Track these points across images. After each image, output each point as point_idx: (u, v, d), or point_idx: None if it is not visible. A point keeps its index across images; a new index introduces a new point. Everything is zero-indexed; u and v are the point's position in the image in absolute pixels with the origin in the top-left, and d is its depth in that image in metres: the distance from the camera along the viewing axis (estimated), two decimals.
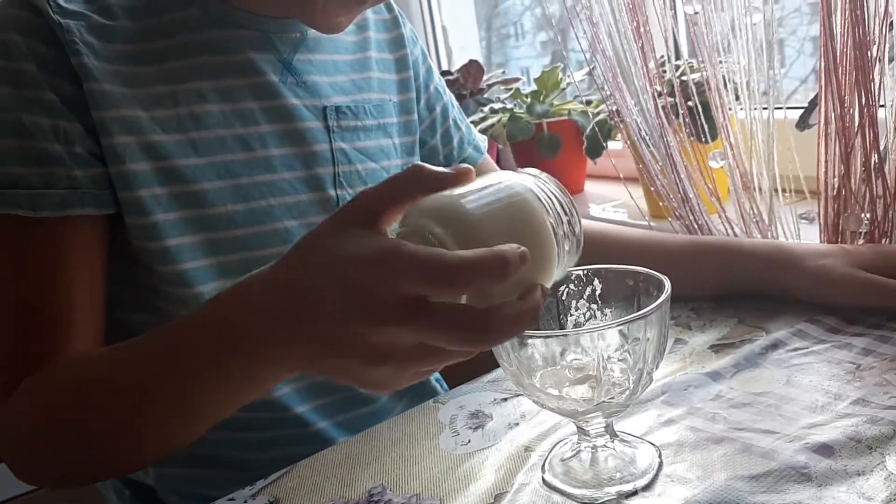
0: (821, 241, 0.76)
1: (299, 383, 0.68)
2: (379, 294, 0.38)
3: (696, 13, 0.75)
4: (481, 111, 1.35)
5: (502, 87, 1.48)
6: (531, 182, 0.44)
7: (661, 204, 0.86)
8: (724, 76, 0.77)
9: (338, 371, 0.42)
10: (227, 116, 0.63)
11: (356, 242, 0.39)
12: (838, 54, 0.68)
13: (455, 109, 0.84)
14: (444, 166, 0.82)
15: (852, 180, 0.70)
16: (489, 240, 0.39)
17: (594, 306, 0.54)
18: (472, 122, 1.33)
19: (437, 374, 0.85)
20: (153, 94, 0.61)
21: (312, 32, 0.69)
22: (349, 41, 0.74)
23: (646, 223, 0.99)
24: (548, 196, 0.43)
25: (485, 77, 1.51)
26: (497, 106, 1.33)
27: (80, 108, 0.58)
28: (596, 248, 0.77)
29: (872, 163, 0.68)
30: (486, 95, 1.50)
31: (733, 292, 0.71)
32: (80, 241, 0.59)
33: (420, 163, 0.43)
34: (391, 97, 0.75)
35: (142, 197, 0.60)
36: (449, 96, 0.84)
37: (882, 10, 0.69)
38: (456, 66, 1.56)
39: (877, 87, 0.69)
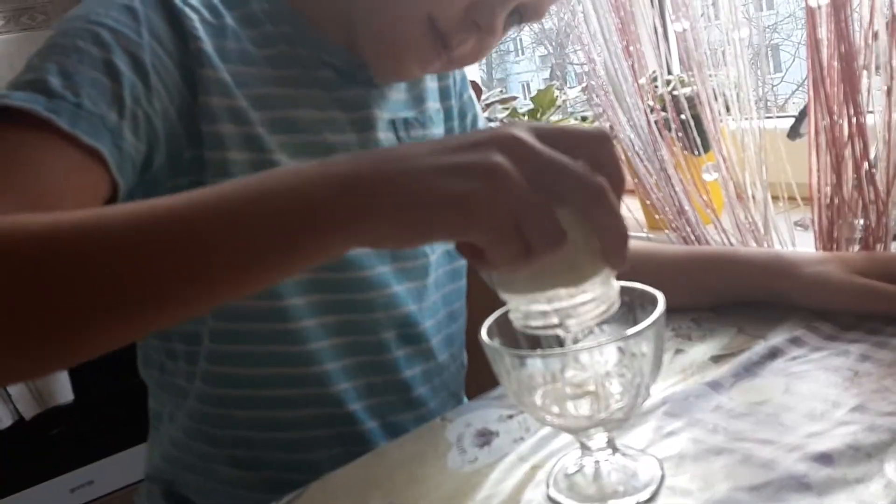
0: (816, 249, 0.77)
1: (357, 381, 0.70)
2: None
3: (685, 30, 0.77)
4: None
5: (500, 106, 1.49)
6: None
7: (656, 216, 0.87)
8: (714, 89, 0.79)
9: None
10: (316, 123, 0.67)
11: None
12: (825, 65, 0.70)
13: (482, 119, 0.86)
14: None
15: (844, 188, 0.71)
16: None
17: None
18: None
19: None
20: (254, 94, 0.64)
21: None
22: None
23: (644, 235, 1.00)
24: None
25: (483, 96, 1.53)
26: (495, 125, 1.34)
27: (175, 89, 0.60)
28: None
29: (863, 171, 0.69)
30: (485, 115, 1.51)
31: (732, 302, 0.72)
32: (90, 183, 0.52)
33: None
34: (437, 105, 0.78)
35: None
36: (479, 107, 0.86)
37: (867, 20, 0.70)
38: None
39: (864, 97, 0.70)
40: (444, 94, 0.80)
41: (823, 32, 0.70)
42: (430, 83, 0.79)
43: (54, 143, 0.51)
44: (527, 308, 0.46)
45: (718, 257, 0.73)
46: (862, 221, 0.73)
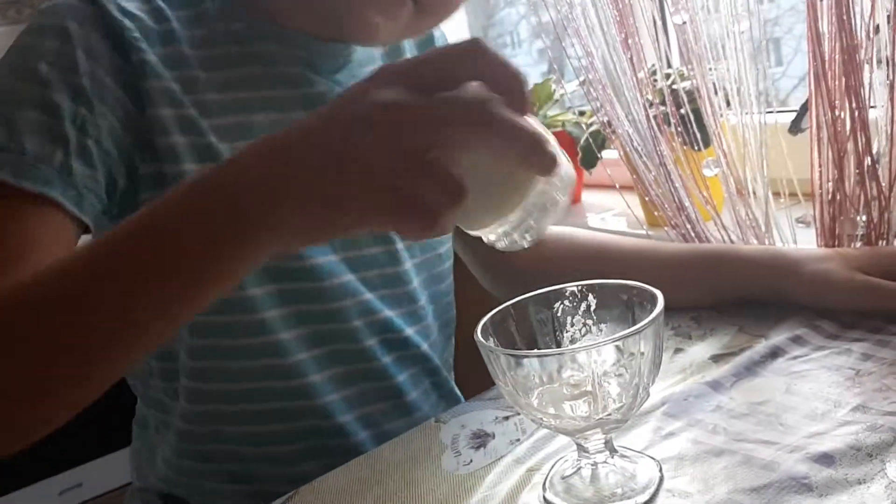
0: (818, 245, 0.76)
1: (346, 391, 0.68)
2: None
3: (685, 23, 0.76)
4: None
5: None
6: None
7: (656, 213, 0.86)
8: (714, 83, 0.78)
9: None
10: (272, 126, 0.64)
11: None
12: (826, 59, 0.69)
13: None
14: None
15: (846, 184, 0.70)
16: None
17: (589, 322, 0.54)
18: None
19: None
20: (206, 100, 0.62)
21: (354, 57, 0.69)
22: (382, 53, 0.74)
23: (643, 232, 0.99)
24: None
25: None
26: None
27: (120, 106, 0.58)
28: (593, 260, 0.77)
29: (865, 166, 0.68)
30: None
31: (734, 300, 0.71)
32: (49, 230, 0.53)
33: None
34: None
35: None
36: None
37: (868, 13, 0.69)
38: None
39: (867, 91, 0.69)
40: None
41: (825, 25, 0.69)
42: None
43: (5, 201, 0.51)
44: (490, 238, 0.44)
45: (720, 255, 0.72)
46: (864, 217, 0.72)
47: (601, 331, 0.54)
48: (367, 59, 0.72)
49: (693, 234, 0.84)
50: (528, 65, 2.19)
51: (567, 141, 1.23)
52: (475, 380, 0.75)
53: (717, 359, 0.63)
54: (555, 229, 0.82)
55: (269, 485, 0.67)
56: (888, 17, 0.69)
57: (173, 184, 0.59)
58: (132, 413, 0.76)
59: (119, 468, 1.73)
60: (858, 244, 0.74)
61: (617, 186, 0.97)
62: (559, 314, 0.54)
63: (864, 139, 0.67)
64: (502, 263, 0.83)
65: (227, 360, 0.65)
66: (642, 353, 0.46)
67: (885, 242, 0.70)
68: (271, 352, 0.64)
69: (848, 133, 0.68)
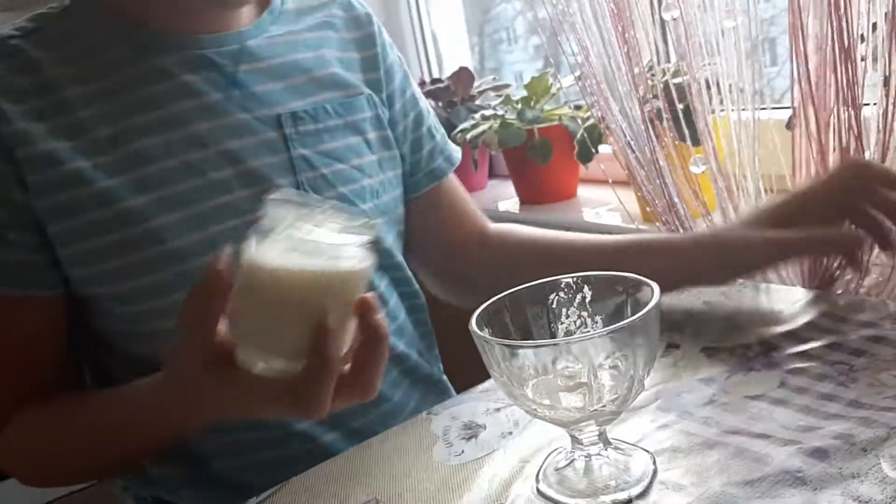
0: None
1: None
2: None
3: (675, 19, 0.75)
4: (472, 118, 1.35)
5: (493, 94, 1.48)
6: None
7: (647, 209, 0.86)
8: (706, 79, 0.77)
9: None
10: (172, 146, 0.62)
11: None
12: (816, 55, 0.68)
13: (431, 118, 0.82)
14: (410, 175, 0.79)
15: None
16: None
17: (584, 314, 0.54)
18: (462, 129, 1.34)
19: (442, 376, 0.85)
20: (95, 139, 0.61)
21: (255, 41, 0.67)
22: (309, 38, 0.72)
23: (634, 227, 0.99)
24: None
25: (475, 83, 1.51)
26: (488, 112, 1.33)
27: (7, 185, 0.59)
28: (540, 258, 0.77)
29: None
30: (477, 102, 1.50)
31: (679, 289, 0.71)
32: (38, 318, 0.63)
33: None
34: (362, 90, 0.73)
35: (97, 247, 0.60)
36: (425, 105, 0.82)
37: (864, 10, 0.69)
38: (447, 74, 1.56)
39: (861, 88, 0.69)
40: (373, 86, 0.74)
41: (821, 21, 0.69)
42: (351, 74, 0.73)
43: None
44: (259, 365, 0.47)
45: (660, 245, 0.71)
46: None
47: (596, 323, 0.53)
48: (284, 49, 0.69)
49: (682, 231, 0.84)
50: (524, 61, 2.19)
51: (563, 135, 1.23)
52: (466, 374, 0.75)
53: (709, 353, 0.63)
54: (497, 227, 0.82)
55: (240, 491, 0.66)
56: (886, 14, 0.69)
57: (71, 237, 0.60)
58: None
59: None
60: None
61: (610, 182, 0.97)
62: (554, 306, 0.54)
63: (856, 137, 0.67)
64: (450, 271, 0.82)
65: None
66: (638, 345, 0.45)
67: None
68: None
69: (834, 130, 0.68)
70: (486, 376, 0.65)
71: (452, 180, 0.83)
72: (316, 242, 0.44)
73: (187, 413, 0.55)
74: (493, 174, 1.64)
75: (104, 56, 0.63)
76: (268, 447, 0.67)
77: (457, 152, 0.84)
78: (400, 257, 0.76)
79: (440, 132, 0.83)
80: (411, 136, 0.79)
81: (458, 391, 0.77)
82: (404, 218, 0.78)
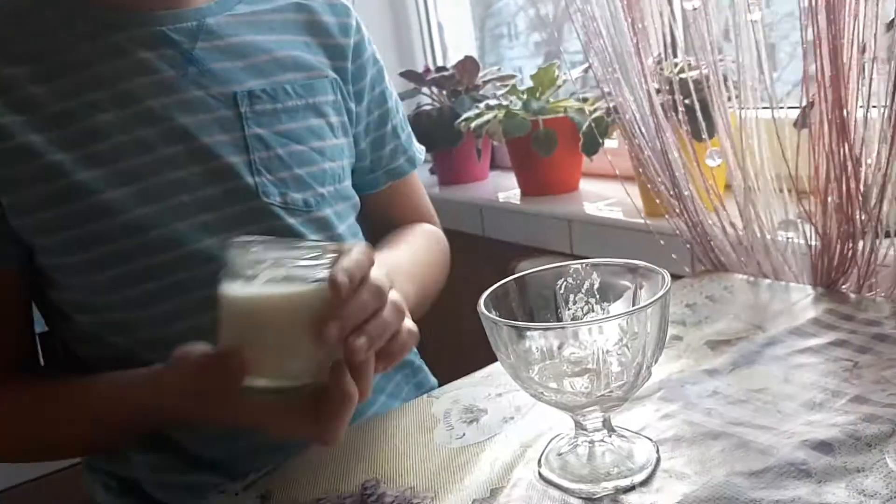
0: (814, 241, 0.75)
1: None
2: None
3: (696, 9, 0.75)
4: (477, 107, 1.34)
5: (498, 84, 1.47)
6: None
7: (657, 202, 0.86)
8: (723, 73, 0.77)
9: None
10: (125, 122, 0.62)
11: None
12: (829, 54, 0.68)
13: (398, 116, 0.81)
14: (369, 171, 0.79)
15: (842, 181, 0.69)
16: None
17: (592, 300, 0.53)
18: (467, 118, 1.33)
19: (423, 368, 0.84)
20: (48, 115, 0.61)
21: (215, 18, 0.67)
22: (275, 18, 0.71)
23: (642, 221, 0.99)
24: None
25: (480, 73, 1.50)
26: (493, 102, 1.32)
27: None
28: None
29: (855, 163, 0.68)
30: (481, 92, 1.49)
31: None
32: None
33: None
34: (326, 73, 0.72)
35: (48, 220, 0.60)
36: (395, 102, 0.81)
37: (877, 10, 0.68)
38: (451, 63, 1.55)
39: (870, 88, 0.68)
40: (341, 73, 0.73)
41: (832, 17, 0.68)
42: (321, 58, 0.72)
43: None
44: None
45: None
46: (863, 216, 0.71)
47: (603, 310, 0.53)
48: (248, 28, 0.68)
49: (691, 224, 0.83)
50: (525, 57, 2.18)
51: (568, 127, 1.22)
52: (464, 361, 0.75)
53: (713, 345, 0.63)
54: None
55: (214, 475, 0.66)
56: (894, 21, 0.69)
57: (17, 211, 0.60)
58: None
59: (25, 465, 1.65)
60: (849, 242, 0.74)
61: (618, 174, 0.96)
62: (561, 291, 0.54)
63: (861, 136, 0.67)
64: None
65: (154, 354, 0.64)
66: (647, 332, 0.45)
67: (877, 240, 0.70)
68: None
69: (839, 132, 0.68)
70: (464, 370, 0.66)
71: (411, 181, 0.83)
72: (290, 273, 0.47)
73: (189, 410, 0.55)
74: (494, 165, 1.63)
75: (59, 32, 0.63)
76: (242, 435, 0.66)
77: (420, 153, 0.84)
78: (351, 241, 0.74)
79: (406, 132, 0.82)
80: (374, 133, 0.78)
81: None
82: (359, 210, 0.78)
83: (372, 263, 0.49)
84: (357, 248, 0.49)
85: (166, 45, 0.64)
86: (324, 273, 0.47)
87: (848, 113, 0.68)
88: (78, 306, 0.65)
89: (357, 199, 0.76)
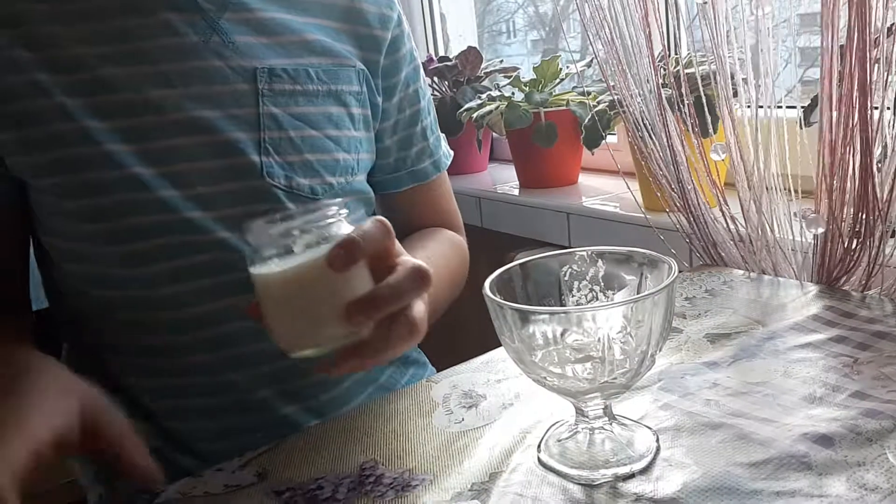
0: (819, 239, 0.75)
1: (259, 370, 0.66)
2: None
3: (706, 3, 0.75)
4: (479, 98, 1.34)
5: (500, 76, 1.46)
6: None
7: (658, 196, 0.86)
8: (730, 68, 0.77)
9: None
10: (137, 79, 0.61)
11: None
12: (840, 54, 0.68)
13: (429, 118, 0.79)
14: (392, 170, 0.77)
15: (847, 180, 0.69)
16: None
17: (596, 287, 0.53)
18: (468, 108, 1.32)
19: (421, 356, 0.84)
20: (62, 56, 0.60)
21: None
22: (315, 0, 0.69)
23: (639, 215, 0.99)
24: None
25: (483, 65, 1.50)
26: (495, 94, 1.32)
27: None
28: None
29: (868, 164, 0.68)
30: (483, 83, 1.48)
31: None
32: None
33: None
34: (354, 63, 0.70)
35: (40, 160, 0.60)
36: (428, 103, 0.79)
37: (887, 9, 0.68)
38: (454, 54, 1.55)
39: (882, 89, 0.68)
40: (372, 66, 0.71)
41: (843, 19, 0.68)
42: (352, 48, 0.70)
43: None
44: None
45: None
46: (864, 216, 0.72)
47: (608, 297, 0.53)
48: (281, 5, 0.66)
49: (693, 218, 0.83)
50: (523, 54, 2.18)
51: (569, 120, 1.22)
52: (461, 347, 0.75)
53: (712, 338, 0.63)
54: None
55: (204, 460, 0.65)
56: None
57: (18, 147, 0.60)
58: None
59: None
60: (854, 241, 0.74)
61: (619, 169, 0.96)
62: (566, 278, 0.53)
63: (868, 136, 0.67)
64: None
65: (151, 335, 0.64)
66: (652, 321, 0.45)
67: (881, 242, 0.70)
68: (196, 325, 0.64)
69: (851, 130, 0.68)
70: (462, 359, 0.65)
71: (437, 185, 0.81)
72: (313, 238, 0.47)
73: None
74: (492, 157, 1.63)
75: None
76: (227, 414, 0.66)
77: (447, 158, 0.82)
78: None
79: (435, 135, 0.80)
80: (402, 132, 0.76)
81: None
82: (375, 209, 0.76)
83: (388, 233, 0.48)
84: (371, 221, 0.48)
85: (193, 10, 0.63)
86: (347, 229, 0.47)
87: (861, 112, 0.68)
88: (63, 254, 0.64)
89: (371, 195, 0.74)
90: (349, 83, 0.69)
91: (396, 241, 0.50)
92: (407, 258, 0.49)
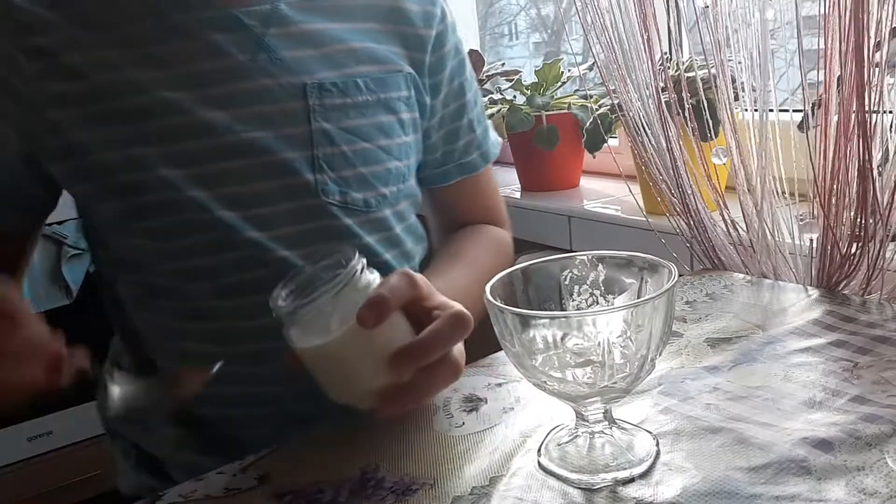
0: (818, 243, 0.76)
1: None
2: None
3: (707, 6, 0.75)
4: None
5: (502, 79, 1.47)
6: None
7: (659, 199, 0.86)
8: (731, 73, 0.77)
9: None
10: (186, 103, 0.61)
11: None
12: (838, 58, 0.68)
13: (476, 109, 0.78)
14: (440, 164, 0.77)
15: (847, 185, 0.70)
16: None
17: (597, 292, 0.53)
18: None
19: None
20: (111, 83, 0.60)
21: (289, 2, 0.64)
22: (357, 5, 0.68)
23: (641, 219, 0.99)
24: None
25: (485, 68, 1.50)
26: (496, 97, 1.32)
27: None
28: None
29: (868, 167, 0.68)
30: (485, 86, 1.49)
31: None
32: None
33: None
34: (401, 68, 0.69)
35: (94, 188, 0.61)
36: (474, 94, 0.78)
37: (886, 13, 0.69)
38: None
39: (880, 93, 0.68)
40: (418, 66, 0.70)
41: (843, 23, 0.69)
42: (398, 48, 0.69)
43: None
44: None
45: None
46: (865, 220, 0.72)
47: (608, 302, 0.53)
48: (324, 14, 0.66)
49: (693, 223, 0.84)
50: (524, 57, 2.19)
51: (571, 123, 1.22)
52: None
53: (713, 343, 0.63)
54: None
55: (225, 448, 0.65)
56: None
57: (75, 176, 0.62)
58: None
59: (90, 418, 1.69)
60: (855, 245, 0.74)
61: (621, 172, 0.96)
62: (566, 282, 0.53)
63: (867, 140, 0.67)
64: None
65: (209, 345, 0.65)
66: (652, 325, 0.45)
67: (881, 246, 0.70)
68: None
69: (851, 134, 0.68)
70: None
71: (483, 178, 0.80)
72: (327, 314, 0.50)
73: None
74: (494, 160, 1.63)
75: (133, 2, 0.62)
76: (265, 419, 0.66)
77: (496, 147, 0.81)
78: (410, 243, 0.73)
79: (482, 125, 0.79)
80: (448, 125, 0.76)
81: None
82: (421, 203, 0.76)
83: (414, 284, 0.51)
84: (394, 276, 0.51)
85: (239, 29, 0.62)
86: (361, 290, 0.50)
87: (860, 115, 0.68)
88: (120, 265, 0.66)
89: (419, 195, 0.74)
90: (398, 89, 0.69)
91: (428, 285, 0.53)
92: (445, 303, 0.52)
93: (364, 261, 0.51)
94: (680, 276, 0.82)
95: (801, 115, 0.80)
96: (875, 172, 0.69)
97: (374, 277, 0.52)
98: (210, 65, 0.62)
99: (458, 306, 0.52)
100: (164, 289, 0.64)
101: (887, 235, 0.68)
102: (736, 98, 0.79)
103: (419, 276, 0.52)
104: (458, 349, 0.53)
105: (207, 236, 0.62)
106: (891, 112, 0.70)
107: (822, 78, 0.72)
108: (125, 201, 0.61)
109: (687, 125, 0.80)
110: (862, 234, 0.72)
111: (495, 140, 0.81)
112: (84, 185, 0.62)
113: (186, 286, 0.63)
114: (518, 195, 1.33)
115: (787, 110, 0.77)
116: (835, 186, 0.71)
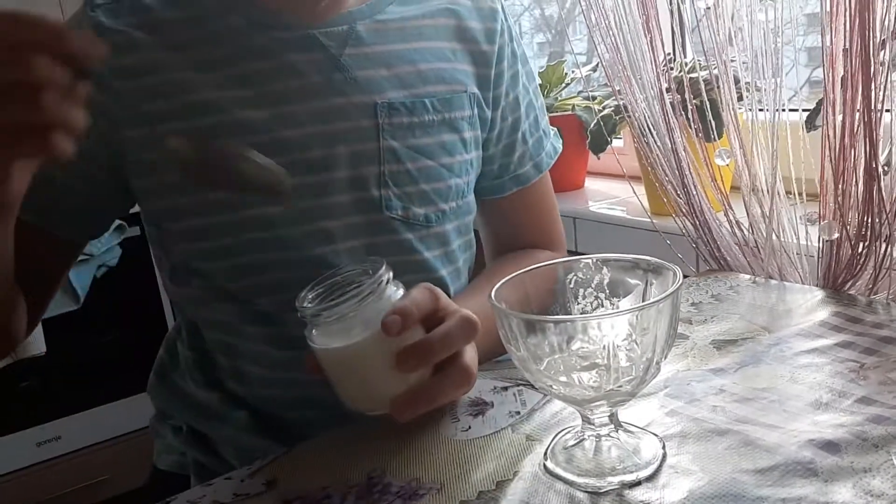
0: (821, 243, 0.76)
1: None
2: None
3: (709, 8, 0.75)
4: None
5: None
6: None
7: (664, 200, 0.86)
8: (734, 74, 0.77)
9: None
10: (265, 122, 0.63)
11: None
12: (842, 57, 0.68)
13: (528, 121, 0.78)
14: (496, 176, 0.78)
15: (851, 185, 0.69)
16: None
17: (602, 295, 0.53)
18: None
19: None
20: (194, 101, 0.62)
21: (364, 24, 0.67)
22: (424, 25, 0.70)
23: (646, 220, 0.99)
24: None
25: None
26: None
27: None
28: None
29: (874, 167, 0.68)
30: None
31: None
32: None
33: None
34: (466, 87, 0.71)
35: (174, 205, 0.63)
36: (527, 107, 0.78)
37: (890, 14, 0.68)
38: None
39: (882, 92, 0.68)
40: (482, 83, 0.72)
41: (846, 23, 0.69)
42: (465, 65, 0.71)
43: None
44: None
45: None
46: (869, 219, 0.71)
47: (613, 305, 0.53)
48: (393, 36, 0.68)
49: (698, 223, 0.84)
50: (528, 57, 2.19)
51: (575, 125, 1.22)
52: None
53: (718, 345, 0.63)
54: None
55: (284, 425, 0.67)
56: None
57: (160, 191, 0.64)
58: (116, 369, 0.77)
59: (98, 424, 1.70)
60: (861, 245, 0.74)
61: (625, 173, 0.96)
62: (571, 285, 0.54)
63: (870, 142, 0.67)
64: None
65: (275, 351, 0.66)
66: (658, 328, 0.45)
67: (887, 245, 0.70)
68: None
69: (856, 135, 0.68)
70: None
71: (538, 189, 0.80)
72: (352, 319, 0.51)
73: None
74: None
75: (216, 24, 0.64)
76: (315, 402, 0.66)
77: (551, 157, 0.81)
78: (462, 261, 0.74)
79: (535, 136, 0.79)
80: (506, 139, 0.76)
81: None
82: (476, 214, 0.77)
83: (436, 299, 0.53)
84: (417, 289, 0.53)
85: (315, 49, 0.64)
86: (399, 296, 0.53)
87: (865, 115, 0.68)
88: (189, 278, 0.67)
89: (474, 210, 0.75)
90: (461, 109, 0.70)
91: (444, 297, 0.55)
92: (455, 308, 0.54)
93: (391, 273, 0.53)
94: (685, 277, 0.83)
95: (806, 115, 0.80)
96: (880, 171, 0.69)
97: (397, 289, 0.54)
98: (287, 84, 0.64)
99: (466, 311, 0.53)
100: (230, 295, 0.66)
101: (894, 235, 0.68)
102: (739, 99, 0.79)
103: (440, 291, 0.55)
104: (471, 357, 0.54)
105: (267, 255, 0.64)
106: (888, 110, 0.70)
107: (826, 77, 0.72)
108: (200, 218, 0.63)
109: (690, 126, 0.80)
110: (868, 233, 0.72)
111: (551, 149, 0.81)
112: (161, 201, 0.64)
113: (248, 296, 0.65)
114: None
115: (795, 110, 0.77)
116: (840, 186, 0.71)
